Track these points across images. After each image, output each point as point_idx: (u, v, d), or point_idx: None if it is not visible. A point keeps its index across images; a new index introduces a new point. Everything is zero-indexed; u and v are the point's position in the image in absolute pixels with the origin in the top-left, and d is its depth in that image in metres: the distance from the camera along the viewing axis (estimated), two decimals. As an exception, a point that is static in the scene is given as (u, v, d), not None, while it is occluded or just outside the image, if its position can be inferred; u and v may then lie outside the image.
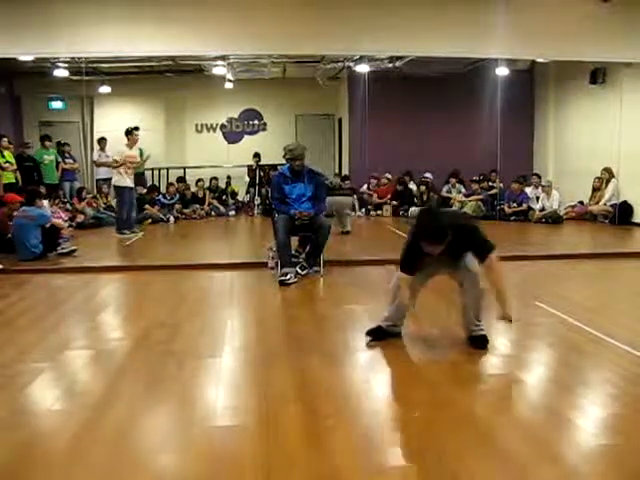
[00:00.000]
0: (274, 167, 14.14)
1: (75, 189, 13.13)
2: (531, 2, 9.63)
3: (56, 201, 11.83)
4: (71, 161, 13.39)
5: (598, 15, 9.56)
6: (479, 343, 4.44)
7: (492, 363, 4.29)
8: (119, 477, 2.78)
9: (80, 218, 11.95)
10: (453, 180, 13.94)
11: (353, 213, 11.33)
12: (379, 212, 13.81)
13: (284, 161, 7.53)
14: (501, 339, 4.86)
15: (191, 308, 5.87)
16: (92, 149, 14.35)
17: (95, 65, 12.79)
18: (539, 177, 13.42)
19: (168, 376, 3.98)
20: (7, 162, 10.70)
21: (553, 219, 12.10)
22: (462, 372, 4.02)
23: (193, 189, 14.33)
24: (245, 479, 2.74)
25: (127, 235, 10.52)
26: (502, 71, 12.36)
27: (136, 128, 10.77)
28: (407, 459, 2.87)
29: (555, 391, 3.77)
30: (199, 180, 14.43)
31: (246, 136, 16.61)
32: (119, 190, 10.70)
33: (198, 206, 13.95)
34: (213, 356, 4.37)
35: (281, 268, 6.93)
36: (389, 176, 14.19)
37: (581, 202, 12.78)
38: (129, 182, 10.61)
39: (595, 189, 12.44)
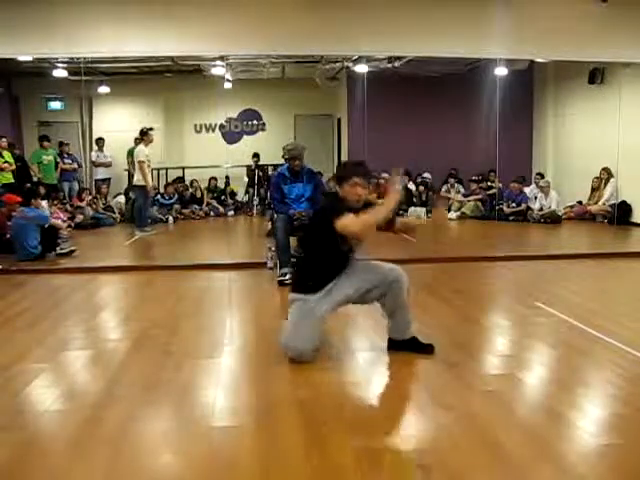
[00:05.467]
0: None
1: (74, 189, 13.13)
2: (529, 2, 9.63)
3: (55, 202, 11.83)
4: (69, 161, 13.38)
5: (597, 15, 9.56)
6: (428, 348, 4.29)
7: (492, 363, 4.30)
8: (118, 477, 2.77)
9: (79, 218, 11.95)
10: (452, 180, 13.95)
11: None
12: (378, 212, 13.78)
13: (283, 161, 7.53)
14: (501, 339, 4.87)
15: (190, 308, 5.87)
16: (91, 149, 14.36)
17: (94, 65, 12.73)
18: (542, 176, 13.42)
19: (167, 376, 3.98)
20: (6, 162, 10.70)
21: (552, 219, 12.10)
22: (461, 372, 4.01)
23: (191, 189, 14.33)
24: None
25: (148, 232, 10.81)
26: (501, 71, 12.34)
27: (150, 129, 11.00)
28: (406, 459, 2.86)
29: (555, 391, 3.77)
30: (193, 181, 14.45)
31: (245, 136, 16.59)
32: (138, 189, 10.94)
33: (197, 206, 13.95)
34: (212, 356, 4.37)
35: (280, 268, 6.93)
36: (386, 176, 14.17)
37: (580, 202, 12.79)
38: (150, 181, 10.97)
39: (594, 189, 12.46)
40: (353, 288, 4.16)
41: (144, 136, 10.91)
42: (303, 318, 4.11)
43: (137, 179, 10.86)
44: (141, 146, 10.92)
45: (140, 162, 10.66)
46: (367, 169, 4.25)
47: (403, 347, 4.28)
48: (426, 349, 4.27)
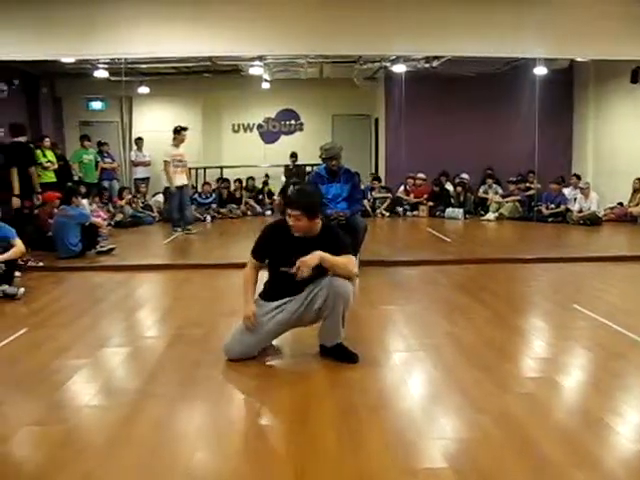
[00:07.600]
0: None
1: (114, 188, 13.32)
2: (569, 1, 9.51)
3: (95, 199, 12.03)
4: (109, 160, 13.59)
5: (637, 13, 9.40)
6: (353, 357, 4.22)
7: (529, 366, 4.25)
8: (155, 473, 2.81)
9: (119, 217, 12.13)
10: (490, 181, 13.83)
11: None
12: (415, 212, 13.74)
13: (320, 161, 7.54)
14: (539, 342, 4.81)
15: (227, 307, 5.89)
16: (131, 149, 14.55)
17: (134, 66, 12.93)
18: (579, 178, 13.22)
19: (203, 374, 4.02)
20: (49, 161, 10.90)
21: (592, 221, 11.88)
22: (498, 375, 3.97)
23: (233, 186, 14.40)
24: (279, 478, 2.75)
25: (178, 232, 10.84)
26: (540, 70, 12.20)
27: (184, 128, 10.91)
28: (440, 461, 2.85)
29: (593, 395, 3.71)
30: (237, 180, 14.49)
31: (283, 136, 16.67)
32: (167, 189, 11.06)
33: (234, 206, 14.02)
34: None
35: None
36: (423, 176, 14.10)
37: (621, 204, 12.56)
38: (177, 181, 10.78)
39: (635, 190, 12.21)
40: (299, 302, 4.20)
41: (176, 134, 10.80)
42: (250, 330, 4.25)
43: (164, 180, 10.95)
44: (169, 146, 10.81)
45: (165, 162, 10.67)
46: (303, 200, 4.17)
47: (330, 354, 4.25)
48: (351, 358, 4.20)
